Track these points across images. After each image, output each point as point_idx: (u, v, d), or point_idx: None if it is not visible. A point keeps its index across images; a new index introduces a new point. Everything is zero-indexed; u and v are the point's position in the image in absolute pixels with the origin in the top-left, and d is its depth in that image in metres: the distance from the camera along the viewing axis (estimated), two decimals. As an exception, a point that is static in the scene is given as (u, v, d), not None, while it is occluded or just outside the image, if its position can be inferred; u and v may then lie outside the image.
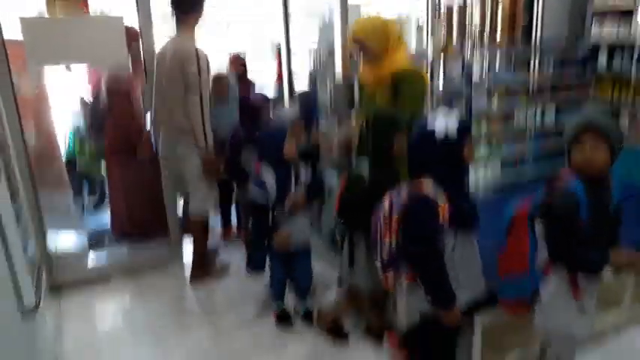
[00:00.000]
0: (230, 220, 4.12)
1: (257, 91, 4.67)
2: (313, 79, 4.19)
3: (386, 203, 1.90)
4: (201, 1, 3.07)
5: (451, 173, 1.84)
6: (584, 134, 1.65)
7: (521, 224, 1.77)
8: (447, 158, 1.81)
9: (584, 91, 4.57)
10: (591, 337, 2.30)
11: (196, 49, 2.99)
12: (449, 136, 1.79)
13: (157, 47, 3.28)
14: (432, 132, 1.80)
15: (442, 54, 3.87)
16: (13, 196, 2.37)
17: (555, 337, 1.90)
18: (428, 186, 1.80)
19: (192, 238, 3.46)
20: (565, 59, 4.55)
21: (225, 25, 7.31)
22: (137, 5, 3.25)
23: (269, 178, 2.52)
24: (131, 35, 3.31)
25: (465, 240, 1.90)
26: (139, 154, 3.64)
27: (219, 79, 3.70)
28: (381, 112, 2.40)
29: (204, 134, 3.02)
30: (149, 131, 3.68)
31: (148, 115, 3.62)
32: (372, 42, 2.48)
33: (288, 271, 2.73)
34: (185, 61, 2.95)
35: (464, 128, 1.85)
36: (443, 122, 1.82)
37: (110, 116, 3.84)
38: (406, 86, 2.44)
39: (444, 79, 4.21)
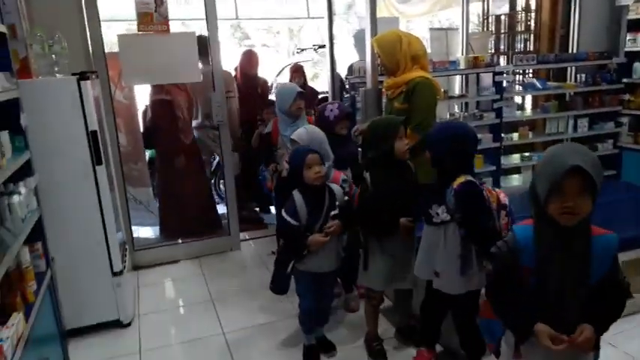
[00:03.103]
0: None
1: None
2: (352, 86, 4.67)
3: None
4: None
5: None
6: (567, 182, 1.38)
7: None
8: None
9: (617, 99, 4.73)
10: None
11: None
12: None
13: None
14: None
15: (474, 63, 4.20)
16: (111, 185, 3.06)
17: None
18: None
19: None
20: (600, 68, 4.75)
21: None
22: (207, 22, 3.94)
23: (300, 202, 2.43)
24: None
25: None
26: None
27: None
28: (377, 121, 2.59)
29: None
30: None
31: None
32: (384, 57, 2.92)
33: (316, 295, 2.60)
34: (229, 84, 4.30)
35: None
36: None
37: (156, 125, 4.37)
38: (417, 94, 2.82)
39: (478, 88, 4.58)
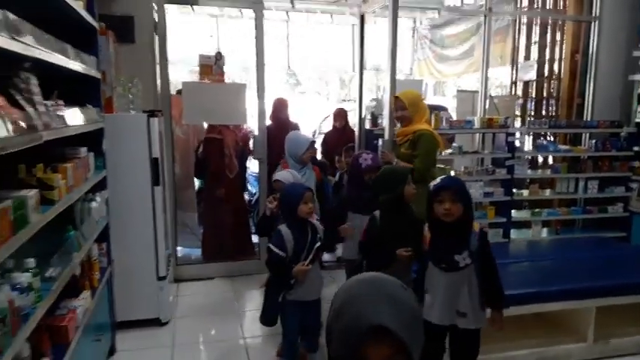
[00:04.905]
0: None
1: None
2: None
3: None
4: None
5: None
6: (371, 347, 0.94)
7: None
8: None
9: (627, 165, 5.07)
10: None
11: None
12: None
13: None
14: None
15: (488, 124, 4.69)
16: (164, 206, 3.69)
17: None
18: None
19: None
20: (612, 136, 5.13)
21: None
22: (257, 77, 4.66)
23: (287, 235, 2.64)
24: None
25: None
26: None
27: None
28: (387, 169, 2.96)
29: None
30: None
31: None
32: (411, 108, 3.47)
33: (301, 322, 2.76)
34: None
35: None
36: None
37: (206, 159, 4.96)
38: (421, 143, 3.38)
39: (493, 146, 5.04)
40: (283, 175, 3.09)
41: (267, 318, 2.81)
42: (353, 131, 5.66)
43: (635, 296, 3.09)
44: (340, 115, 5.70)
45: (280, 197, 2.87)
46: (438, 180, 2.44)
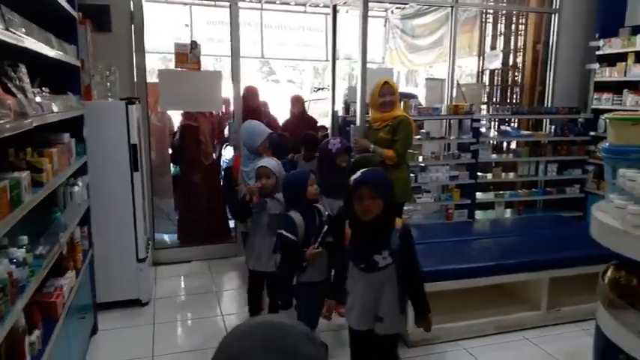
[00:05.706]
0: None
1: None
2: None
3: None
4: None
5: None
6: None
7: None
8: None
9: (584, 149, 5.38)
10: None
11: None
12: None
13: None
14: None
15: (454, 111, 4.92)
16: (142, 192, 3.80)
17: None
18: None
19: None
20: (570, 121, 5.43)
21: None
22: (232, 67, 4.78)
23: (299, 220, 2.69)
24: None
25: None
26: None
27: None
28: (362, 159, 3.17)
29: None
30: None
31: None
32: (396, 95, 3.70)
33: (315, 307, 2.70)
34: None
35: None
36: None
37: (182, 146, 5.13)
38: (401, 128, 3.59)
39: (459, 131, 5.29)
40: (268, 161, 3.17)
41: (288, 301, 2.86)
42: (312, 117, 5.77)
43: (582, 267, 3.36)
44: (298, 101, 5.70)
45: (284, 185, 2.92)
46: (359, 173, 2.24)
